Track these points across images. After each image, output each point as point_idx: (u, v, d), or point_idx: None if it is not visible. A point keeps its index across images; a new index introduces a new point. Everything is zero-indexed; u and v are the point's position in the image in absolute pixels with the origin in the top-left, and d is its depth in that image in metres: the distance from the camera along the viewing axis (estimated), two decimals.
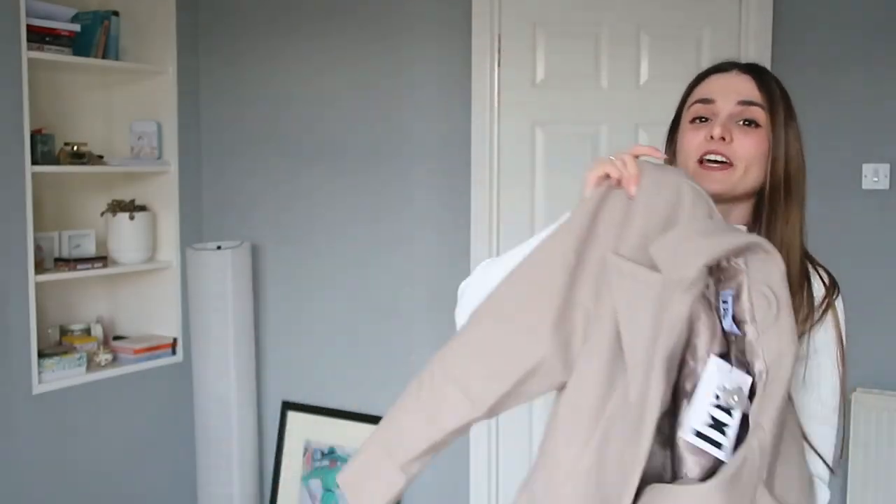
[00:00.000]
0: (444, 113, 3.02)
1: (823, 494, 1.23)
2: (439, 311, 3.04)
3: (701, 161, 1.25)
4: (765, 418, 1.01)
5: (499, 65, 2.94)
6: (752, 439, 0.99)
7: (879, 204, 2.66)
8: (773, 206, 1.25)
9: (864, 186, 2.66)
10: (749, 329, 1.04)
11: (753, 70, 1.29)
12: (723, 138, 1.23)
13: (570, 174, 2.96)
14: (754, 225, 1.29)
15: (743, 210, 1.29)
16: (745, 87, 1.27)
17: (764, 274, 1.03)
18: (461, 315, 1.26)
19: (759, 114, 1.25)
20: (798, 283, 1.24)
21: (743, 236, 1.03)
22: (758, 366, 1.03)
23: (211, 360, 3.21)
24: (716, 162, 1.24)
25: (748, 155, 1.24)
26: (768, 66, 2.67)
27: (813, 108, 2.70)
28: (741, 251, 1.03)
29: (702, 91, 1.30)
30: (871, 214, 2.67)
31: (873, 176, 2.65)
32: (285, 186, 3.31)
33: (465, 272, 2.99)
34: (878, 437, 2.59)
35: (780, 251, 1.21)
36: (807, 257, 1.29)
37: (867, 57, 2.64)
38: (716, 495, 0.96)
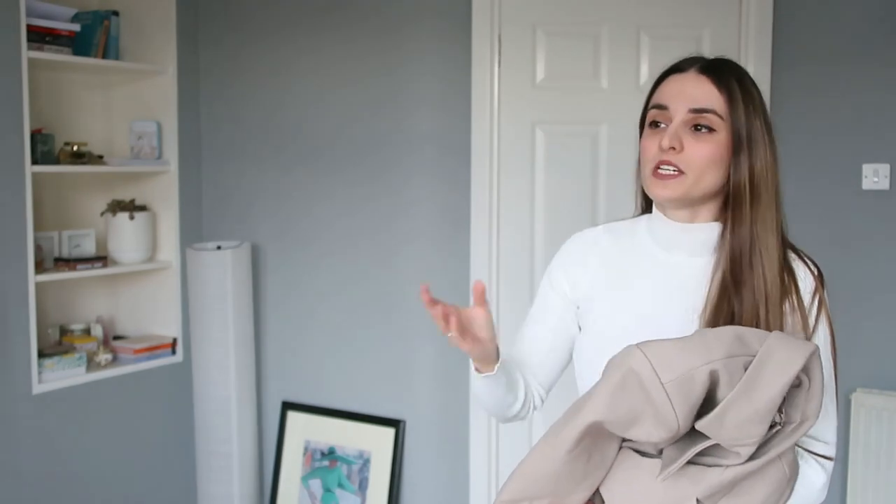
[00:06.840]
0: (444, 113, 3.02)
1: (819, 477, 1.23)
2: None
3: (656, 168, 1.25)
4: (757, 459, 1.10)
5: (499, 65, 2.94)
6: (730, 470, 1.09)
7: (879, 204, 2.66)
8: (737, 209, 1.24)
9: (864, 186, 2.66)
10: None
11: (712, 69, 1.26)
12: (672, 148, 1.23)
13: (570, 174, 2.97)
14: (724, 220, 1.28)
15: (711, 207, 1.29)
16: (700, 90, 1.24)
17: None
18: None
19: (713, 120, 1.23)
20: (781, 280, 1.23)
21: (782, 377, 1.06)
22: (775, 417, 1.10)
23: (211, 360, 3.20)
24: (668, 170, 1.24)
25: (700, 163, 1.23)
26: (768, 66, 2.70)
27: (813, 107, 2.70)
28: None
29: (658, 95, 1.29)
30: (871, 214, 2.66)
31: (873, 176, 2.65)
32: (285, 187, 3.31)
33: (465, 272, 2.99)
34: (879, 437, 2.59)
35: (755, 253, 1.23)
36: (789, 248, 1.29)
37: (867, 57, 2.64)
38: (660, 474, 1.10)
